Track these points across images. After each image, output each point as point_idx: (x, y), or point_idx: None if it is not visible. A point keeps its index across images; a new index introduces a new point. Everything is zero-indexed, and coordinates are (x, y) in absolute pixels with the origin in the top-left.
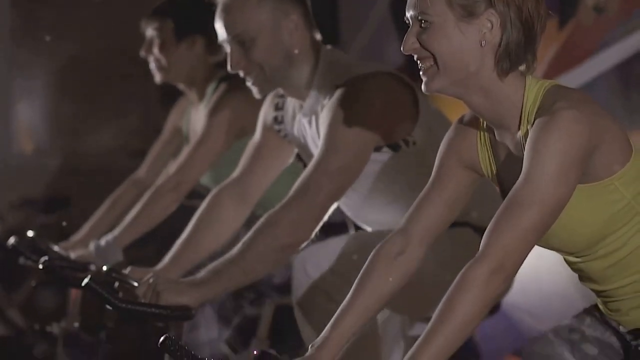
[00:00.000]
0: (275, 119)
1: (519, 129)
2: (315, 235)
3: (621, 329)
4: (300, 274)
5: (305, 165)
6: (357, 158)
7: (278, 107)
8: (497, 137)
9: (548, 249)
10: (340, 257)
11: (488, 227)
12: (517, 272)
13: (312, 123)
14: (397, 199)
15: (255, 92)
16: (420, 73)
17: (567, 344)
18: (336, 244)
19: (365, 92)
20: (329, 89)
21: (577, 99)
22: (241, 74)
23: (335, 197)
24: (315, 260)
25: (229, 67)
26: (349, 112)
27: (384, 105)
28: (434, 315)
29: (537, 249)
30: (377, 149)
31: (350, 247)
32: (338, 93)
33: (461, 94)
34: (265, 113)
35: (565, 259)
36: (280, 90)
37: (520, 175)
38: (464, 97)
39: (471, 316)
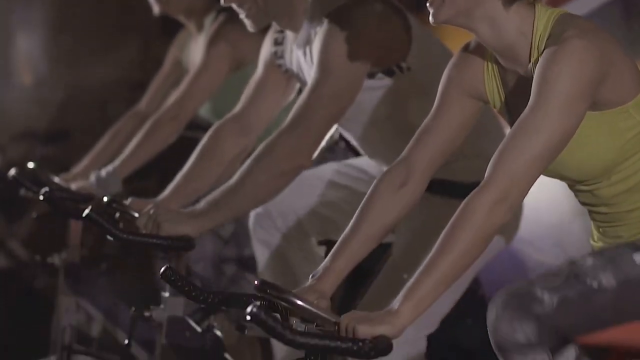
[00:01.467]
0: (275, 53)
1: (529, 59)
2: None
3: None
4: None
5: None
6: (350, 83)
7: (277, 42)
8: (505, 67)
9: (558, 178)
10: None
11: (493, 156)
12: (521, 202)
13: (307, 54)
14: (404, 130)
15: (248, 25)
16: (427, 4)
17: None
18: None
19: (356, 17)
20: (320, 17)
21: (586, 27)
22: (234, 6)
23: (331, 122)
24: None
25: (221, 0)
26: (341, 38)
27: (375, 30)
28: (436, 245)
29: (538, 179)
30: (371, 75)
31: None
32: (329, 20)
33: (468, 24)
34: (265, 49)
35: (572, 187)
36: (278, 25)
37: (528, 104)
38: (471, 28)
39: (473, 245)
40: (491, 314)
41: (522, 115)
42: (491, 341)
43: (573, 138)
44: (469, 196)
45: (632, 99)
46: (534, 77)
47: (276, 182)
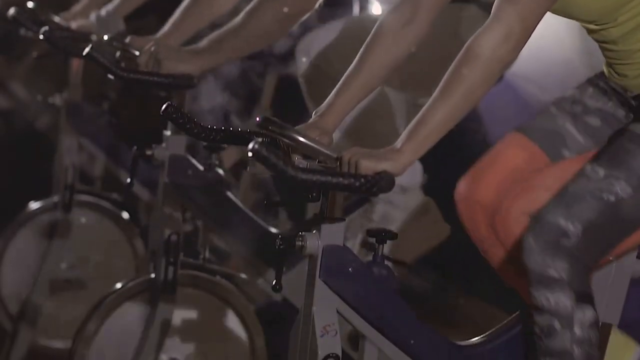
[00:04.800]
0: None
1: None
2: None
3: (628, 94)
4: (304, 57)
5: None
6: None
7: None
8: None
9: (565, 17)
10: (344, 38)
11: None
12: (527, 40)
13: None
14: None
15: None
16: None
17: (569, 116)
18: (339, 27)
19: None
20: None
21: None
22: None
23: None
24: (318, 44)
25: None
26: None
27: None
28: (441, 83)
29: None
30: None
31: (354, 29)
32: None
33: None
34: None
35: (583, 26)
36: None
37: None
38: None
39: (478, 84)
40: (526, 246)
41: None
42: (524, 266)
43: None
44: (475, 35)
45: None
46: None
47: (280, 25)
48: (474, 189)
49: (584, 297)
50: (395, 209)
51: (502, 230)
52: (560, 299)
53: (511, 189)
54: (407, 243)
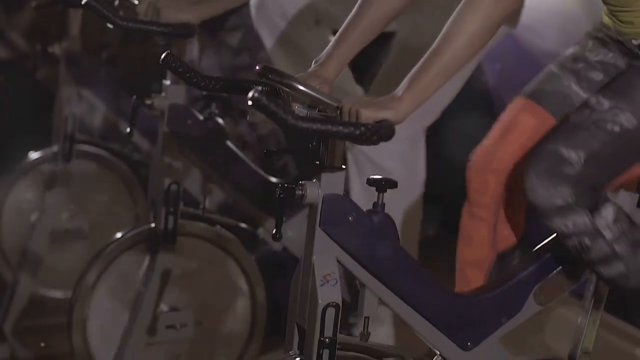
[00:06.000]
0: None
1: None
2: None
3: (633, 42)
4: None
5: None
6: None
7: None
8: None
9: None
10: None
11: None
12: None
13: None
14: None
15: None
16: None
17: (573, 75)
18: None
19: None
20: None
21: None
22: None
23: None
24: None
25: None
26: None
27: None
28: (441, 33)
29: None
30: None
31: None
32: None
33: None
34: None
35: None
36: None
37: None
38: None
39: (479, 34)
40: (527, 181)
41: None
42: (530, 204)
43: None
44: None
45: None
46: None
47: None
48: (489, 160)
49: (597, 205)
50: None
51: (513, 187)
52: (576, 220)
53: (524, 153)
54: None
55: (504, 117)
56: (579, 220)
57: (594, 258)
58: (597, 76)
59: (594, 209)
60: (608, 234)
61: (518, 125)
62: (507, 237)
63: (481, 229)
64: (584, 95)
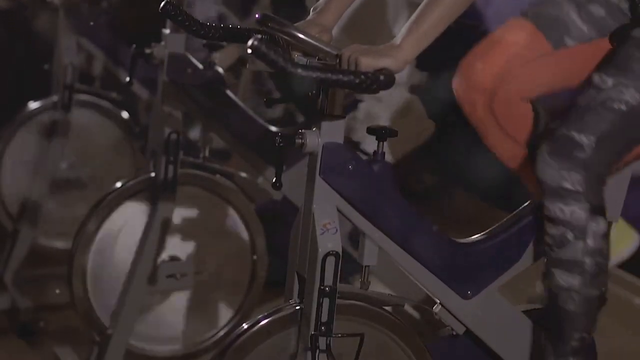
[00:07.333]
0: None
1: None
2: None
3: None
4: None
5: None
6: None
7: None
8: None
9: None
10: None
11: None
12: None
13: None
14: None
15: None
16: None
17: (573, 4)
18: None
19: None
20: None
21: None
22: None
23: None
24: None
25: None
26: None
27: None
28: None
29: None
30: None
31: None
32: None
33: None
34: None
35: None
36: None
37: None
38: None
39: None
40: (539, 160)
41: None
42: (538, 180)
43: None
44: None
45: None
46: None
47: None
48: (474, 71)
49: (598, 209)
50: (379, 106)
51: (500, 114)
52: (575, 210)
53: (511, 72)
54: (392, 141)
55: (495, 32)
56: (578, 212)
57: (562, 257)
58: (599, 11)
59: (594, 211)
60: (590, 242)
61: (507, 39)
62: (520, 126)
63: (493, 146)
64: (582, 26)
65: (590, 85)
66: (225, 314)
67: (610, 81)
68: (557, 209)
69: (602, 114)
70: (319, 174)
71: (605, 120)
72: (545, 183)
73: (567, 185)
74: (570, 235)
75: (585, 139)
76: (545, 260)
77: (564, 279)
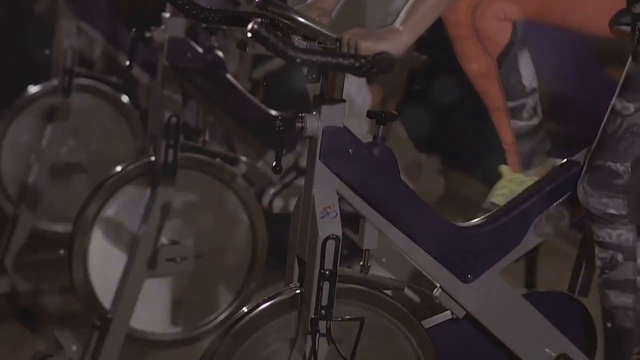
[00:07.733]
0: None
1: None
2: None
3: None
4: None
5: None
6: None
7: None
8: None
9: None
10: None
11: None
12: None
13: None
14: None
15: None
16: None
17: None
18: None
19: None
20: None
21: None
22: None
23: None
24: None
25: None
26: None
27: None
28: None
29: None
30: None
31: None
32: None
33: None
34: None
35: None
36: None
37: None
38: None
39: None
40: (581, 193)
41: None
42: (585, 209)
43: None
44: None
45: None
46: None
47: None
48: None
49: None
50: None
51: (479, 25)
52: (622, 234)
53: None
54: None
55: None
56: (625, 234)
57: (614, 278)
58: None
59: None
60: None
61: None
62: (496, 42)
63: (470, 45)
64: None
65: (614, 113)
66: (225, 297)
67: (631, 107)
68: (605, 234)
69: (631, 140)
70: (319, 158)
71: (635, 145)
72: (590, 212)
73: (612, 211)
74: (620, 257)
75: (621, 167)
76: (599, 283)
77: (618, 299)
